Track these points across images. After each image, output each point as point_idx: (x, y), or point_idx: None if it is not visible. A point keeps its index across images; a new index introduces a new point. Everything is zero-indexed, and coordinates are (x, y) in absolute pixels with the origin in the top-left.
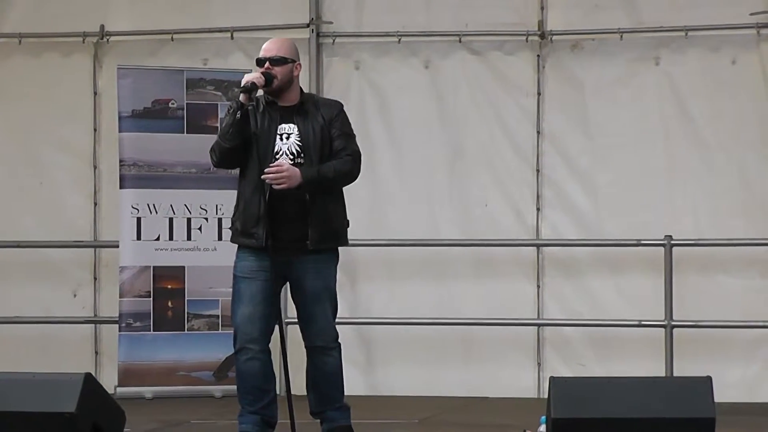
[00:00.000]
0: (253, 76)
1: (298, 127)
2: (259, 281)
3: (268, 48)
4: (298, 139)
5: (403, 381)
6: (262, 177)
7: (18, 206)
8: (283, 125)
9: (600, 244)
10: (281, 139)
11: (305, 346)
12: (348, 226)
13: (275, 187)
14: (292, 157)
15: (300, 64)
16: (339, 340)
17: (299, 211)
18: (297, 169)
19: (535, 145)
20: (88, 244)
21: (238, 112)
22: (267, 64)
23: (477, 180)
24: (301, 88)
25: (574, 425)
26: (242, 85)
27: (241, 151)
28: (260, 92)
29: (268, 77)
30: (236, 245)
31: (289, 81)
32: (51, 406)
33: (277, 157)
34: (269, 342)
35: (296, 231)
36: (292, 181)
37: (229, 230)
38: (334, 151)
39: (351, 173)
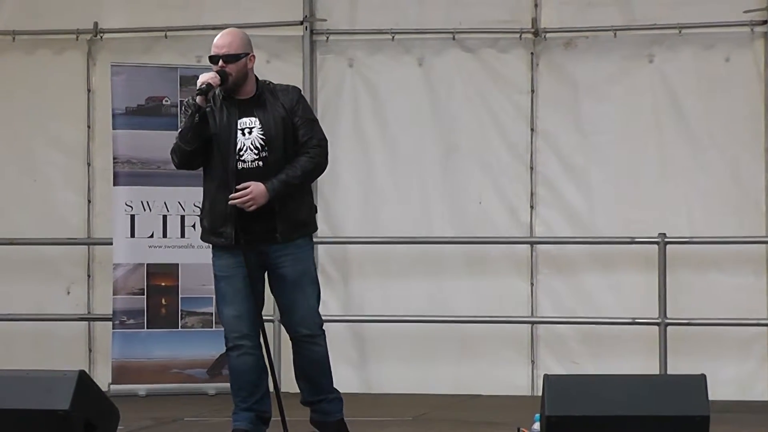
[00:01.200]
0: (209, 76)
1: (259, 119)
2: (240, 278)
3: (219, 44)
4: (261, 132)
5: (397, 378)
6: (230, 203)
7: (11, 203)
8: (244, 119)
9: (593, 242)
10: (243, 134)
11: (290, 337)
12: (316, 212)
13: (247, 209)
14: (256, 151)
15: (253, 56)
16: (324, 327)
17: (266, 204)
18: (262, 187)
19: (528, 142)
20: (81, 241)
21: (197, 115)
22: (221, 62)
23: (470, 177)
24: (256, 76)
25: (568, 423)
26: (198, 86)
27: (202, 151)
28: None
29: (223, 75)
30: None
31: (244, 75)
32: (44, 404)
33: (241, 153)
34: (260, 337)
35: (264, 222)
36: (258, 200)
37: (201, 227)
38: (300, 141)
39: (319, 166)
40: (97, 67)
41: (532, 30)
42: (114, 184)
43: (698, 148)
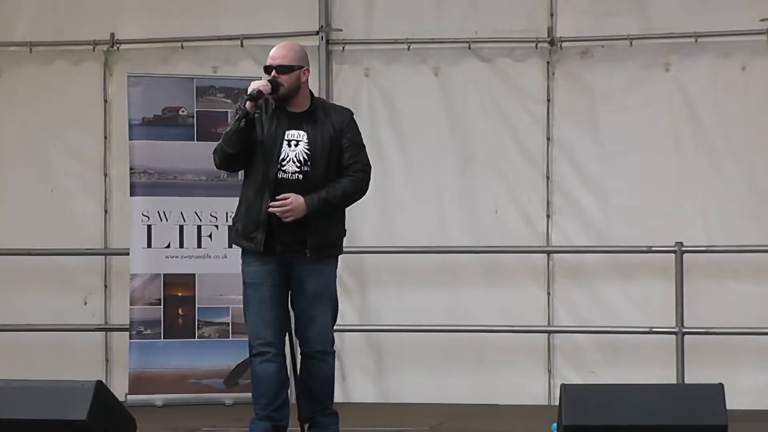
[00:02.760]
0: (260, 84)
1: (307, 134)
2: (268, 285)
3: (275, 55)
4: (307, 147)
5: (414, 388)
6: (269, 210)
7: (29, 214)
8: (292, 131)
9: (610, 251)
10: (288, 146)
11: (302, 351)
12: (345, 235)
13: (284, 219)
14: (298, 164)
15: (308, 70)
16: (335, 347)
17: (299, 218)
18: (302, 200)
19: (544, 151)
20: (98, 251)
21: (243, 119)
22: (274, 72)
23: (487, 187)
24: (311, 92)
25: None
26: (248, 92)
27: (244, 156)
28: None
29: (275, 85)
30: (240, 252)
31: (296, 87)
32: (62, 414)
33: (283, 164)
34: (284, 345)
35: (295, 234)
36: (297, 212)
37: (231, 230)
38: (345, 164)
39: (360, 191)
40: (114, 78)
41: (548, 39)
42: (131, 195)
43: (715, 156)
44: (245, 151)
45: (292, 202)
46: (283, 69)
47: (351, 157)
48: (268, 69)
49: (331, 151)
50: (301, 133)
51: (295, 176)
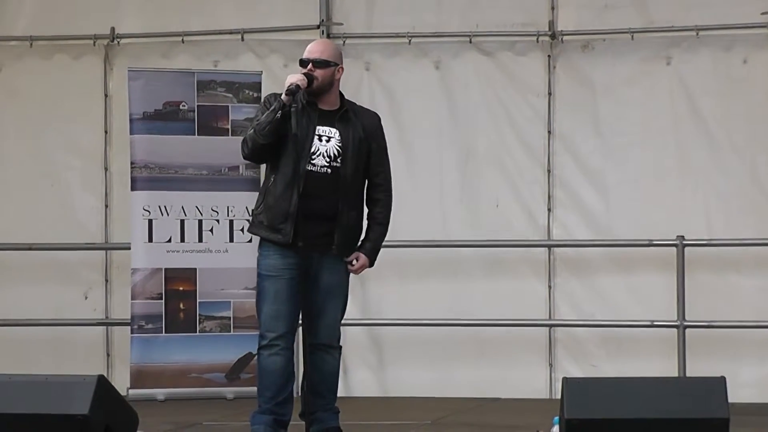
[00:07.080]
0: (297, 78)
1: (339, 132)
2: (284, 279)
3: (312, 49)
4: (339, 144)
5: (415, 382)
6: (350, 269)
7: (29, 208)
8: (323, 127)
9: (611, 245)
10: (320, 140)
11: (309, 343)
12: (361, 235)
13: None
14: (328, 159)
15: (342, 68)
16: (341, 342)
17: (326, 212)
18: (364, 258)
19: (546, 145)
20: (99, 246)
21: (279, 111)
22: (310, 66)
23: (488, 180)
24: (341, 92)
25: (588, 426)
26: (287, 87)
27: (274, 148)
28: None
29: (310, 78)
30: (258, 244)
31: (329, 84)
32: (64, 409)
33: (313, 157)
34: (294, 340)
35: (320, 228)
36: (366, 266)
37: (252, 222)
38: (372, 171)
39: (390, 209)
40: (115, 72)
41: (549, 33)
42: (131, 189)
43: (716, 149)
44: (275, 144)
45: (364, 263)
46: (319, 63)
47: (377, 164)
48: (304, 62)
49: (360, 152)
50: (333, 130)
51: (324, 170)
